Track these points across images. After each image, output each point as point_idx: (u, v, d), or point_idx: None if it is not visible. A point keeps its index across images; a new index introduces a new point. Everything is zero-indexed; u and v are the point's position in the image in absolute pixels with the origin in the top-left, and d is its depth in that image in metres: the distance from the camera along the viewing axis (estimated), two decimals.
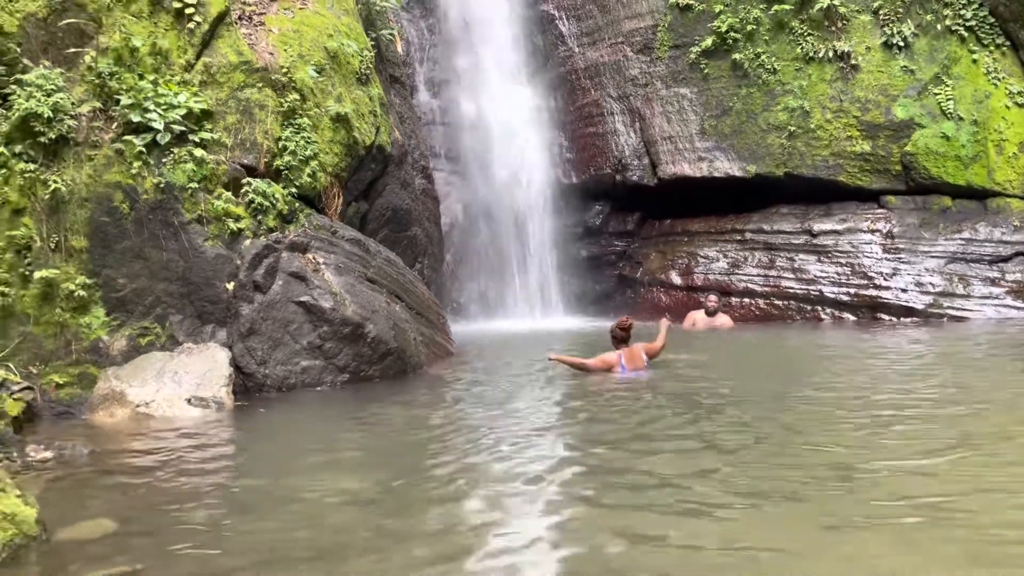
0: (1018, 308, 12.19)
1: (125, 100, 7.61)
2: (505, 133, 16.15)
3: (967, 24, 13.34)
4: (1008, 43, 13.43)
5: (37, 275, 7.12)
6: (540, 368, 8.73)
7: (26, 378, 6.76)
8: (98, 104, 7.68)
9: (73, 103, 7.57)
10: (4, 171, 7.20)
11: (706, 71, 14.74)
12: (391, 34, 12.35)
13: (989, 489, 3.99)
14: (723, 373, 8.35)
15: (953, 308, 12.36)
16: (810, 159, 13.87)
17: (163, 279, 7.60)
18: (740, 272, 14.42)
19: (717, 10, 14.46)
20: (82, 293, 7.28)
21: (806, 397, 6.73)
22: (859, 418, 5.71)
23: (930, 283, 12.65)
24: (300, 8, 9.40)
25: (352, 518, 3.94)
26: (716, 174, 14.77)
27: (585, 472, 4.54)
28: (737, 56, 14.31)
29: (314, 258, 8.12)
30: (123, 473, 4.93)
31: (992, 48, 13.41)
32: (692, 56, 14.81)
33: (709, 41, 14.53)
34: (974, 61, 13.38)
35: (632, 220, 16.99)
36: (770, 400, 6.57)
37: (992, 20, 13.36)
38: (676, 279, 15.29)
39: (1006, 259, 12.69)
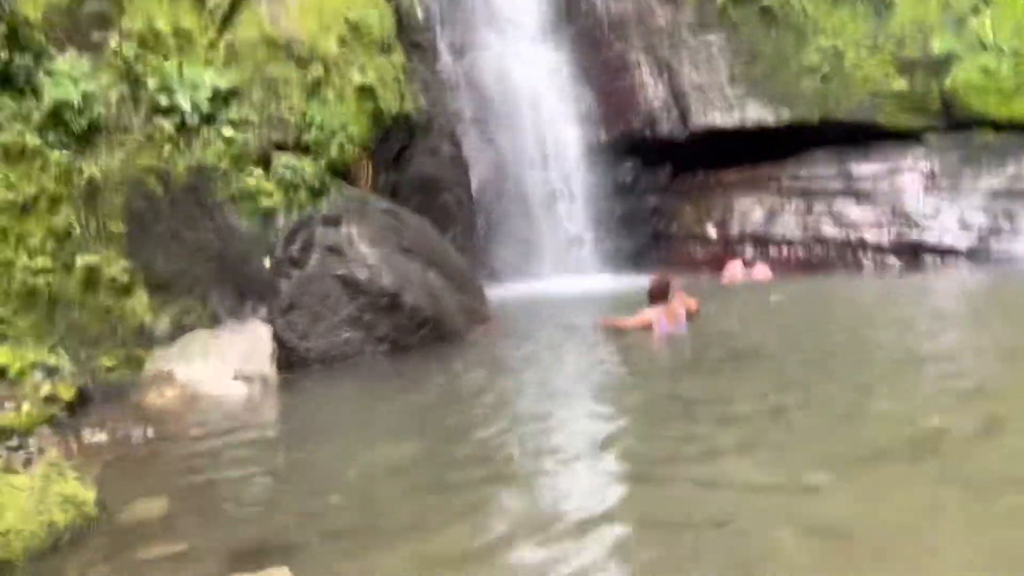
0: None
1: (152, 83, 7.64)
2: (530, 93, 15.94)
3: None
4: None
5: (79, 262, 7.24)
6: (576, 331, 8.70)
7: (76, 363, 6.92)
8: (126, 89, 7.73)
9: (101, 89, 7.63)
10: (39, 161, 7.29)
11: (734, 16, 14.35)
12: (410, 0, 12.21)
13: None
14: (769, 328, 8.22)
15: (999, 247, 12.03)
16: (846, 101, 13.50)
17: (201, 259, 7.70)
18: (777, 221, 14.18)
19: None
20: (124, 277, 7.40)
21: (860, 352, 6.45)
22: (925, 372, 5.51)
23: (974, 222, 12.31)
24: None
25: (402, 489, 3.98)
26: (748, 123, 14.46)
27: (635, 442, 4.40)
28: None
29: (348, 230, 8.14)
30: (176, 451, 5.04)
31: None
32: (719, 2, 14.41)
33: None
34: None
35: (664, 174, 16.75)
36: (824, 356, 6.38)
37: None
38: (711, 232, 15.10)
39: None
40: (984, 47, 12.72)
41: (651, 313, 8.03)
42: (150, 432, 5.53)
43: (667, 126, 15.59)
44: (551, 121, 16.12)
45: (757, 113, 14.34)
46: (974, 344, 6.21)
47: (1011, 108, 12.65)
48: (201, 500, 4.04)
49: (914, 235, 12.64)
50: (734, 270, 13.02)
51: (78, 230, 7.39)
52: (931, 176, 12.89)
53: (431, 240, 9.27)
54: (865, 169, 13.50)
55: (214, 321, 7.67)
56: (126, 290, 7.47)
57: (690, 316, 8.25)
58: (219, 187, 7.74)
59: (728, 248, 14.52)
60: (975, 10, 12.81)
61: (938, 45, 12.86)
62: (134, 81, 7.74)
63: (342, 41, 8.90)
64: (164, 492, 4.14)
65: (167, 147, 7.56)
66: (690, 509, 3.37)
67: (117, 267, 7.38)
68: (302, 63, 8.44)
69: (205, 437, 5.34)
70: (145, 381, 7.05)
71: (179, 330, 7.53)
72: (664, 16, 15.22)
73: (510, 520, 3.41)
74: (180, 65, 7.82)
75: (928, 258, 12.45)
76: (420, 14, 13.51)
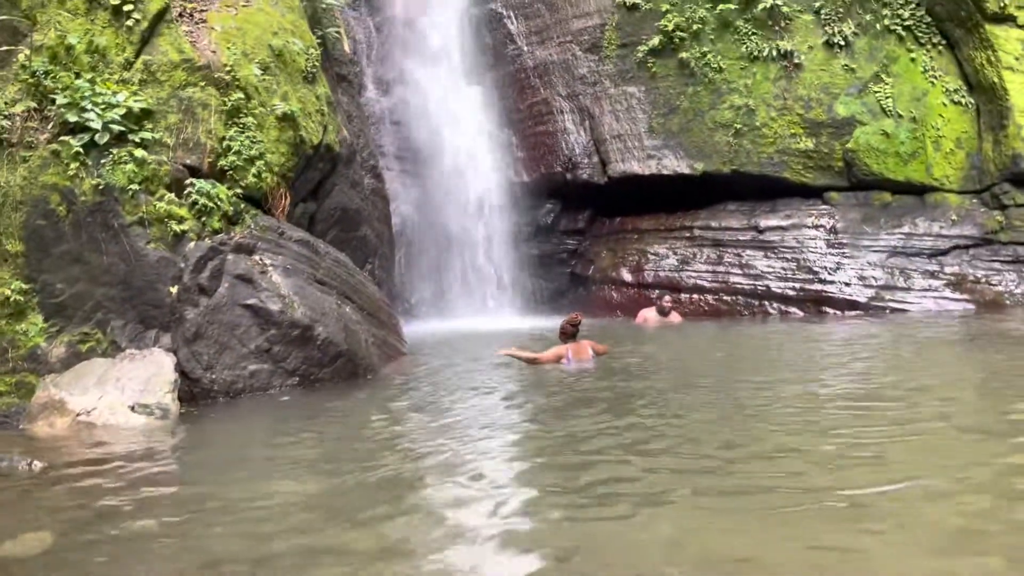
0: (956, 300, 12.58)
1: (61, 99, 7.38)
2: (455, 132, 16.09)
3: (905, 24, 13.71)
4: (944, 42, 13.85)
5: None
6: (491, 367, 8.72)
7: None
8: (33, 104, 7.44)
9: (6, 103, 7.32)
10: None
11: (654, 70, 14.88)
12: (337, 32, 12.21)
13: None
14: (674, 369, 8.47)
15: (894, 301, 12.69)
16: (756, 156, 14.11)
17: (103, 283, 7.39)
18: (689, 269, 14.59)
19: (663, 9, 14.61)
20: (18, 299, 7.05)
21: (760, 394, 6.63)
22: (781, 408, 5.79)
23: (872, 277, 12.97)
24: (243, 5, 9.23)
25: (300, 526, 3.88)
26: (664, 172, 14.93)
27: (536, 478, 4.45)
28: (683, 55, 14.48)
29: (261, 260, 7.98)
30: (63, 484, 4.78)
31: (929, 47, 13.80)
32: (639, 55, 14.93)
33: (656, 40, 14.67)
34: (912, 60, 13.76)
35: (583, 218, 17.07)
36: (722, 394, 6.62)
37: (929, 20, 13.77)
38: (627, 276, 15.41)
39: (944, 252, 13.08)
40: (884, 113, 13.54)
41: (561, 348, 8.67)
42: (36, 464, 5.23)
43: (587, 171, 15.93)
44: (474, 160, 16.27)
45: (673, 163, 14.83)
46: (855, 387, 6.57)
47: (907, 171, 13.47)
48: (88, 535, 3.83)
49: (816, 287, 13.21)
50: (646, 315, 13.31)
51: None
52: (833, 232, 13.54)
53: (347, 273, 9.17)
54: (772, 222, 14.08)
55: (114, 348, 7.36)
56: (20, 313, 7.11)
57: (598, 354, 8.97)
58: (127, 209, 7.47)
59: (642, 292, 14.85)
60: (876, 78, 13.66)
61: (842, 109, 13.62)
62: (42, 96, 7.46)
63: (265, 68, 8.80)
64: (47, 527, 3.92)
65: (73, 165, 7.28)
66: (599, 551, 3.40)
67: (11, 288, 7.02)
68: (222, 88, 8.29)
69: (96, 470, 5.09)
70: (34, 410, 6.69)
71: (75, 357, 7.18)
72: (587, 66, 15.66)
73: (407, 558, 3.37)
74: (93, 83, 7.58)
75: (830, 309, 13.00)
76: (347, 47, 13.51)
